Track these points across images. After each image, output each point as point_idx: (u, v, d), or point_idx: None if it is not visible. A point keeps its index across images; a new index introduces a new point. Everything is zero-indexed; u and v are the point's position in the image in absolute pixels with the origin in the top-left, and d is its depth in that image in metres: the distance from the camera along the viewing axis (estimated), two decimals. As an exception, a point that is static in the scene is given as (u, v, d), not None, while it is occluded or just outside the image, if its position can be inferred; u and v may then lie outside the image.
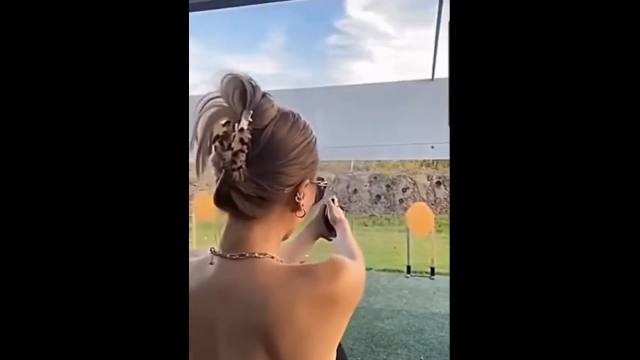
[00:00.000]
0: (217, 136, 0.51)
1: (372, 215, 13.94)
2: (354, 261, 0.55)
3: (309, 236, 0.94)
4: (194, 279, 0.56)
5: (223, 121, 0.51)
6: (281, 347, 0.47)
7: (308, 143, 0.57)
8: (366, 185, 14.92)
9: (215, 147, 0.52)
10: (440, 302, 4.78)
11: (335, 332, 0.51)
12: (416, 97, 3.44)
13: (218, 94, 0.52)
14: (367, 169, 15.56)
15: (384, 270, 6.60)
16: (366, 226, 12.60)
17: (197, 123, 0.51)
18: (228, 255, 0.55)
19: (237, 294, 0.51)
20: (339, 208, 0.97)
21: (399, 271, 6.48)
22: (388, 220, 13.53)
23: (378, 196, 14.70)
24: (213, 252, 0.57)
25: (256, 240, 0.55)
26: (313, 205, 0.64)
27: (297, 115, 0.58)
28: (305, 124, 0.58)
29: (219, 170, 0.52)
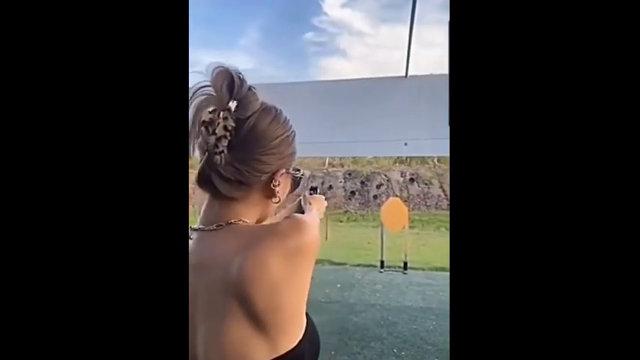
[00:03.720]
0: (204, 122, 0.55)
1: (347, 211, 14.05)
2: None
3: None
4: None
5: (210, 109, 0.56)
6: (257, 303, 0.50)
7: (287, 136, 0.61)
8: (340, 182, 15.02)
9: (201, 131, 0.56)
10: (412, 296, 4.88)
11: (304, 282, 0.55)
12: (390, 94, 3.49)
13: (208, 84, 0.56)
14: (342, 166, 15.67)
15: (359, 265, 6.68)
16: (341, 222, 12.69)
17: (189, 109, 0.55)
18: (206, 228, 0.59)
19: (213, 260, 0.54)
20: (319, 197, 1.00)
21: (372, 266, 6.56)
22: (362, 216, 13.67)
23: (353, 193, 14.82)
24: (192, 228, 0.61)
25: (233, 216, 0.59)
26: (289, 194, 0.68)
27: (279, 110, 0.62)
28: (286, 118, 0.63)
29: (202, 153, 0.57)
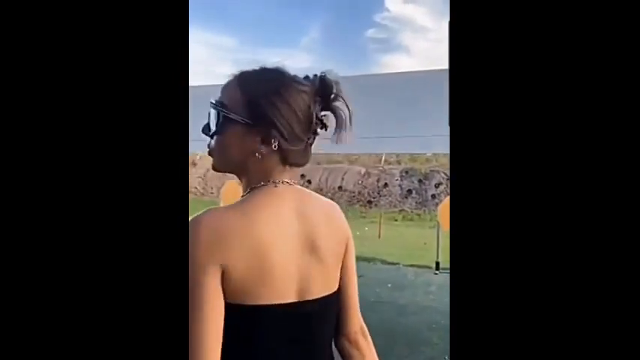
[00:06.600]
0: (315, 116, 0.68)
1: (403, 210, 13.68)
2: None
3: None
4: (249, 211, 0.63)
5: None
6: (348, 260, 0.74)
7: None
8: (397, 179, 14.65)
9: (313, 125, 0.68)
10: (469, 301, 4.59)
11: None
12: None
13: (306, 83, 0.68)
14: (399, 163, 15.26)
15: (412, 265, 6.43)
16: (396, 221, 12.38)
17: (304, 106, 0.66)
18: (291, 181, 0.69)
19: (324, 213, 0.70)
20: None
21: (427, 267, 6.28)
22: (419, 215, 13.22)
23: (409, 191, 14.37)
24: (274, 182, 0.68)
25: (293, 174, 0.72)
26: None
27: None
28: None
29: (302, 143, 0.67)
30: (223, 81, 0.69)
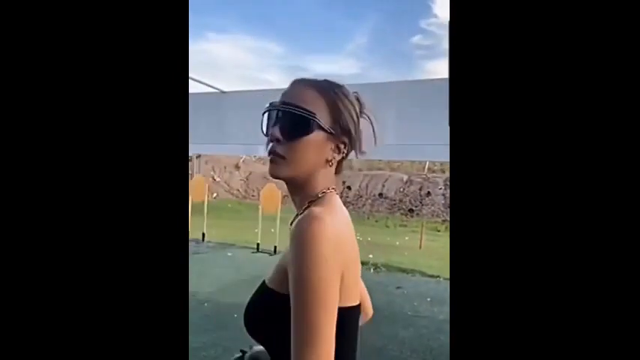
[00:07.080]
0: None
1: (446, 220, 13.24)
2: None
3: None
4: (342, 217, 0.65)
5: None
6: None
7: None
8: (440, 188, 14.21)
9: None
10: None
11: None
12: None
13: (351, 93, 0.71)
14: (443, 172, 14.81)
15: (454, 279, 6.18)
16: (439, 231, 11.99)
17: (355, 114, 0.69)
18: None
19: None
20: None
21: (470, 282, 6.02)
22: (463, 227, 12.72)
23: (453, 201, 13.90)
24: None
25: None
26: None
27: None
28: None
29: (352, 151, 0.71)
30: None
